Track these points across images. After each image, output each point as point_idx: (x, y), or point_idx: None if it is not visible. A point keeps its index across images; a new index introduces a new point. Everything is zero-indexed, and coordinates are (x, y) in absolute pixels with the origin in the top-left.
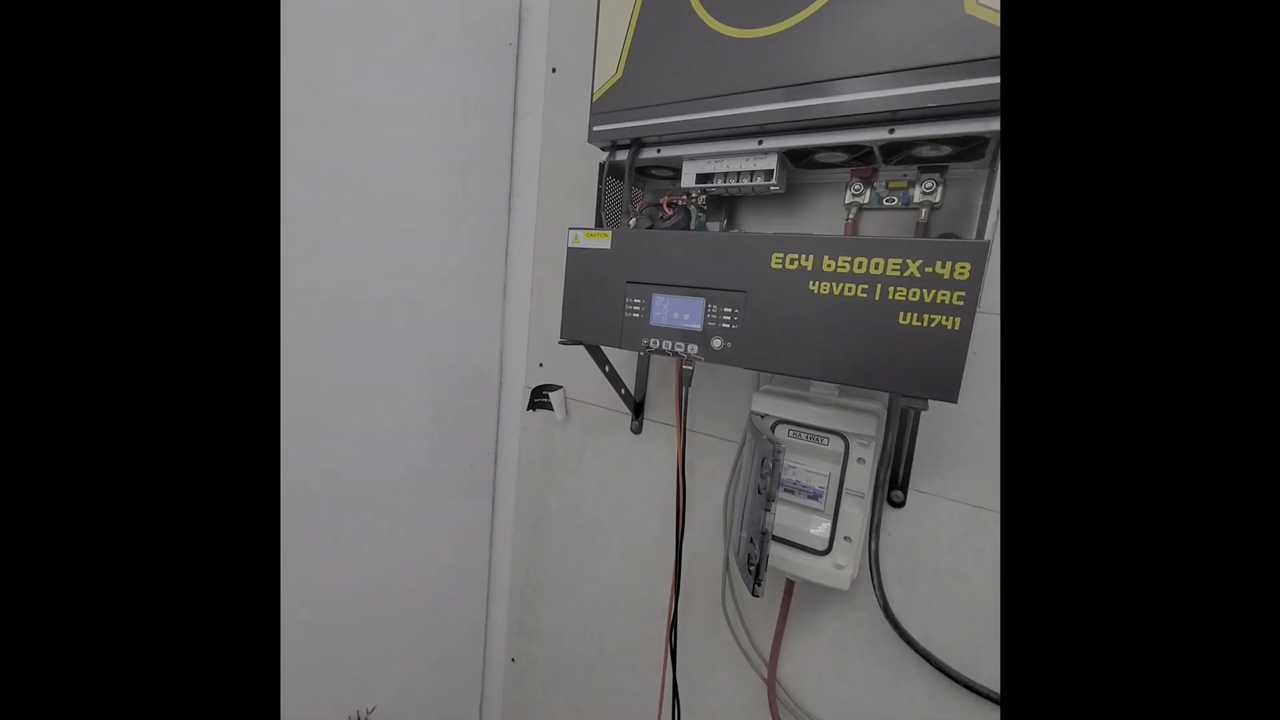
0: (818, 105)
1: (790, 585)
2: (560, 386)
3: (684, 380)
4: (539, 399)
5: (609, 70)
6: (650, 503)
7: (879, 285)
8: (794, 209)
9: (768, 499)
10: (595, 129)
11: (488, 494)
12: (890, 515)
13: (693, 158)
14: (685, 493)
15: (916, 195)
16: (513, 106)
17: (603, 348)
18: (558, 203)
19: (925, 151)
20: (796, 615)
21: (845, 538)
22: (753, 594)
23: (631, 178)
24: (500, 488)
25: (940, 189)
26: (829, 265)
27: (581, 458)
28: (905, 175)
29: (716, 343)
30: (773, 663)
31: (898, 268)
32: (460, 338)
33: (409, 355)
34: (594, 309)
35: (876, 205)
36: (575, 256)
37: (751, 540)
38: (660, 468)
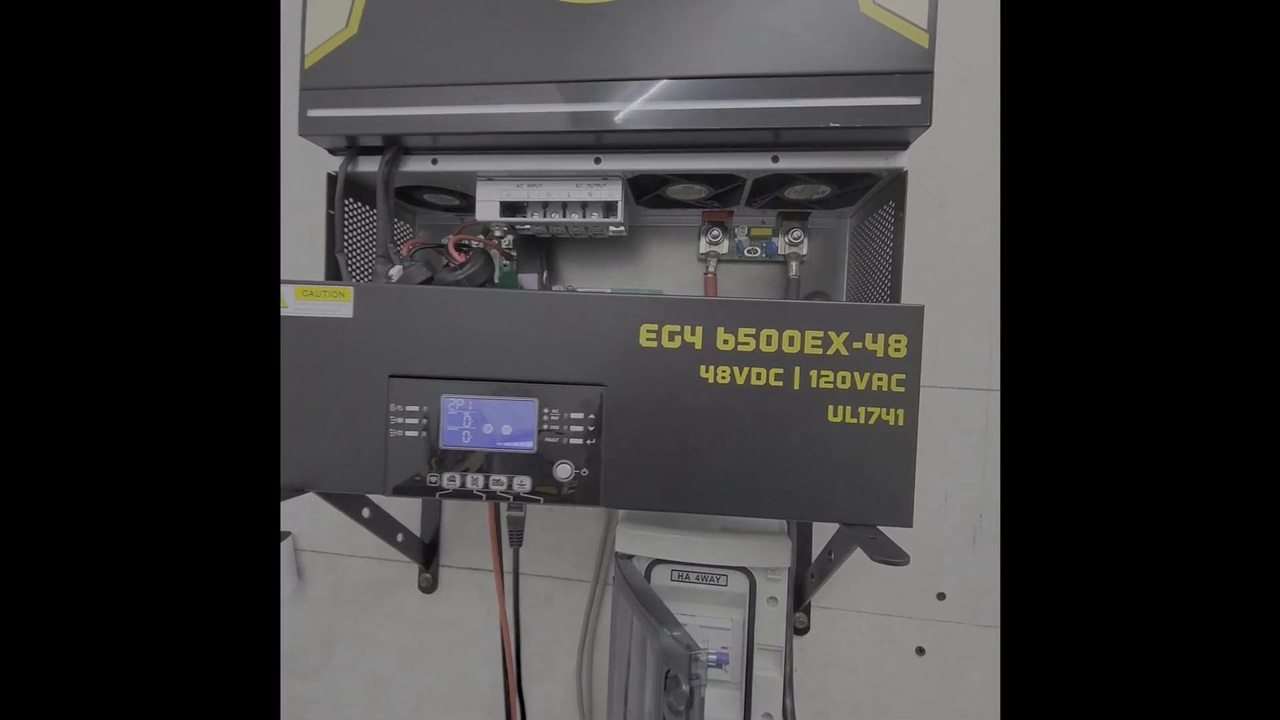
0: (690, 111)
1: None
2: (286, 534)
3: (511, 536)
4: None
5: (333, 22)
6: (464, 698)
7: (797, 368)
8: (634, 258)
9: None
10: (312, 114)
11: None
12: (794, 646)
13: (493, 175)
14: (512, 680)
15: (782, 246)
16: None
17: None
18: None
19: (796, 193)
20: None
21: (765, 715)
22: None
23: (390, 201)
24: None
25: (806, 239)
26: (726, 342)
27: (333, 651)
28: (765, 221)
29: (564, 470)
30: None
31: (818, 343)
32: None
33: None
34: (330, 425)
35: (737, 255)
36: (294, 332)
37: None
38: (475, 639)
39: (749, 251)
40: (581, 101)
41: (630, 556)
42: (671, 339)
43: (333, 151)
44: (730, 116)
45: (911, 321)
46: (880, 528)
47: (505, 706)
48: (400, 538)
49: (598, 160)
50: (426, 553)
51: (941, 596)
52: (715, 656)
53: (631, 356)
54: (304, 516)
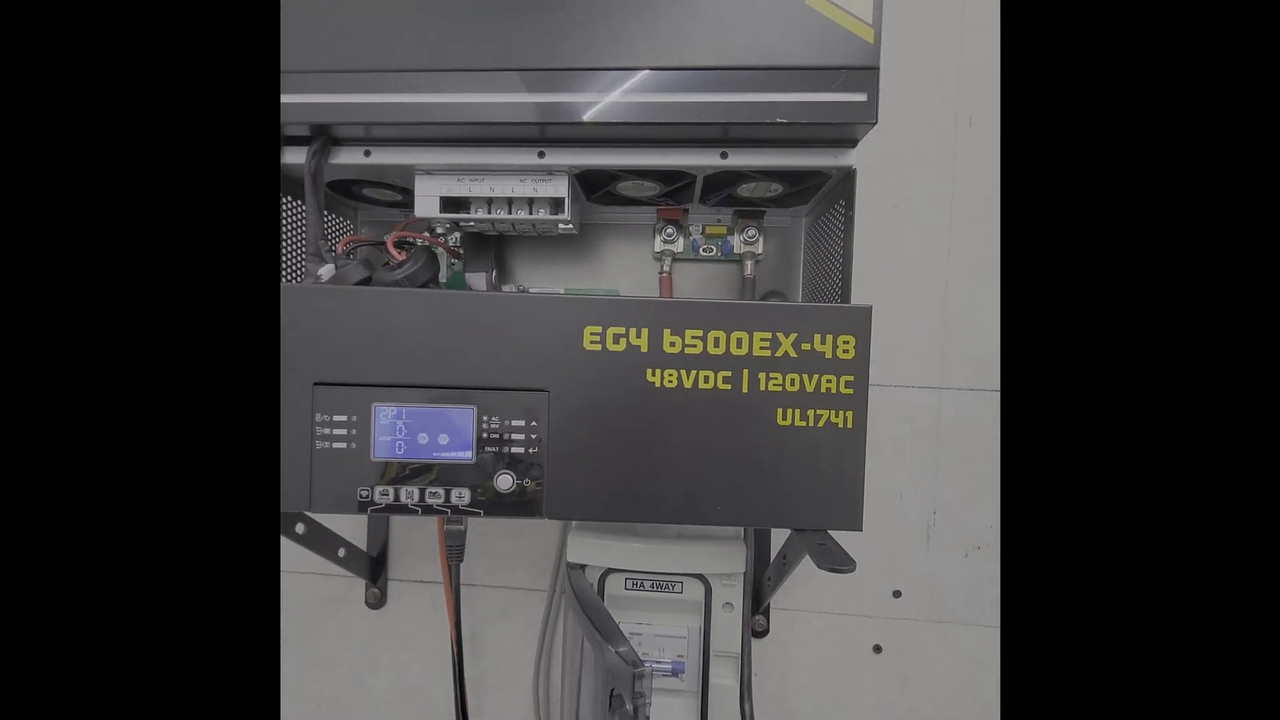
0: (636, 104)
1: None
2: None
3: (451, 551)
4: None
5: None
6: (419, 717)
7: (746, 371)
8: (589, 257)
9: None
10: None
11: None
12: (753, 649)
13: (432, 169)
14: (466, 698)
15: (738, 245)
16: None
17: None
18: None
19: (748, 190)
20: None
21: None
22: None
23: (320, 195)
24: None
25: (761, 238)
26: (673, 344)
27: (281, 671)
28: (720, 220)
29: (505, 481)
30: None
31: (767, 344)
32: None
33: None
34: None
35: (692, 254)
36: None
37: None
38: (428, 655)
39: (704, 250)
40: (522, 92)
41: (582, 566)
42: (616, 341)
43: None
44: (677, 110)
45: (859, 322)
46: (831, 532)
47: None
48: (343, 553)
49: (541, 154)
50: (374, 567)
51: (897, 594)
52: (671, 665)
53: (575, 360)
54: None
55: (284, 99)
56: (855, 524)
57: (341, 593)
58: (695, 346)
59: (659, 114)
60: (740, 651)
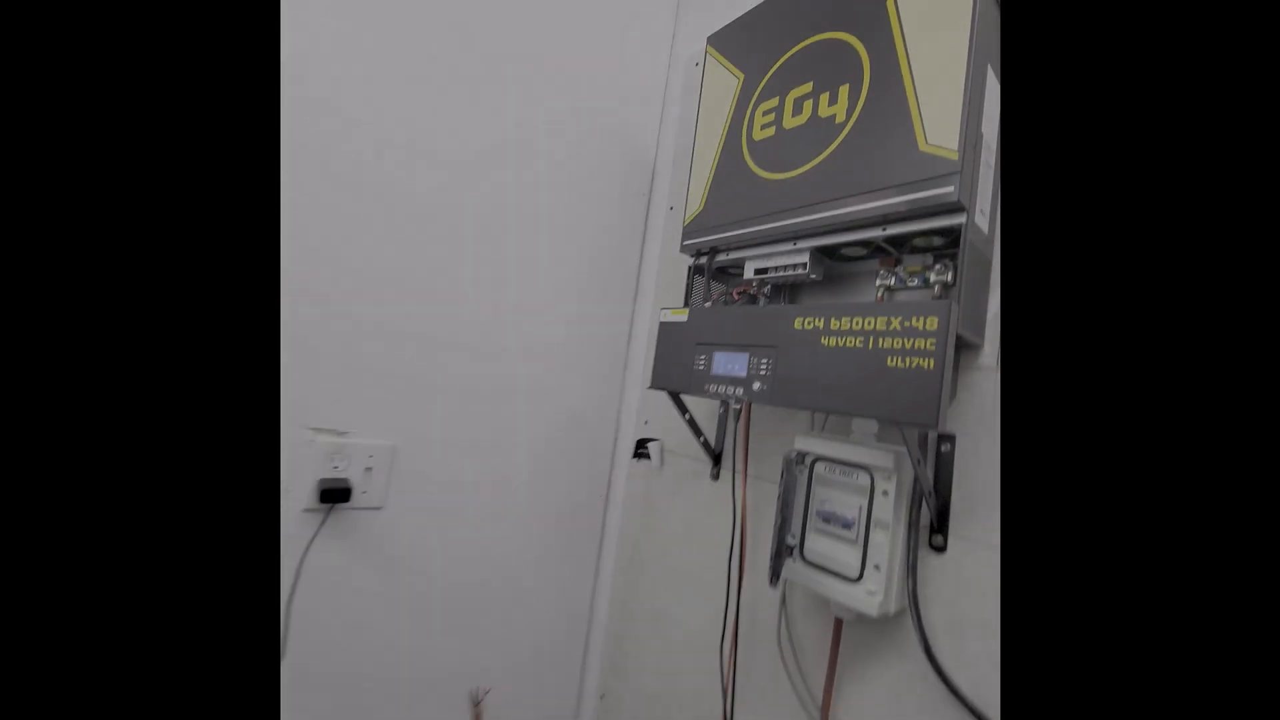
0: (823, 218)
1: (839, 626)
2: (658, 439)
3: (730, 413)
4: (641, 449)
5: (696, 204)
6: (724, 547)
7: (872, 338)
8: (838, 293)
9: (785, 504)
10: (685, 243)
11: (597, 530)
12: (933, 561)
13: (751, 257)
14: (745, 533)
15: (932, 277)
16: (642, 234)
17: (682, 398)
18: (669, 299)
19: (922, 242)
20: (849, 664)
21: (875, 566)
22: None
23: (710, 274)
24: (609, 526)
25: (951, 271)
26: (836, 325)
27: (671, 502)
28: (923, 262)
29: (756, 385)
30: (825, 711)
31: (884, 324)
32: (592, 394)
33: (546, 407)
34: (674, 364)
35: (901, 287)
36: (665, 328)
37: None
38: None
39: (909, 283)
40: (784, 219)
41: (801, 455)
42: (809, 325)
43: (691, 256)
44: (845, 218)
45: (941, 310)
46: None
47: (737, 558)
48: (701, 439)
49: (794, 244)
50: (715, 456)
51: None
52: (845, 520)
53: (789, 333)
54: (666, 432)
55: (701, 240)
56: (931, 423)
57: (697, 470)
58: (847, 326)
59: (841, 219)
60: (891, 525)
